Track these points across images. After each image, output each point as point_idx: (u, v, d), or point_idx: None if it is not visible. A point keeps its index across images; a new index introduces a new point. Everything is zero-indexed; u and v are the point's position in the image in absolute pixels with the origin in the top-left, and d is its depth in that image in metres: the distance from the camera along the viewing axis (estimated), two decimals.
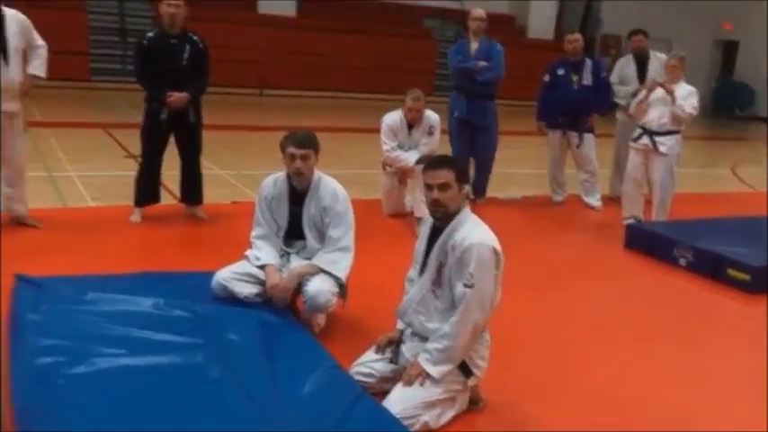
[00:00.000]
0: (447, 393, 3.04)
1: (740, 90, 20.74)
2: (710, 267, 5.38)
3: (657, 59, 7.38)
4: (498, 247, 3.04)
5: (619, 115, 7.83)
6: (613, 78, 7.77)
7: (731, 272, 5.24)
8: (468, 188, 3.19)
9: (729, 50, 21.91)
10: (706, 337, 4.40)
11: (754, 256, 5.35)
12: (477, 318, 3.00)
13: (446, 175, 3.04)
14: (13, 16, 5.03)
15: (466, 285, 2.97)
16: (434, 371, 3.00)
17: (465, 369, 3.08)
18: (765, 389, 3.69)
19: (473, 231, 3.04)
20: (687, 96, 6.37)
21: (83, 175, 6.45)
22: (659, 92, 6.42)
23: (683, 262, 5.58)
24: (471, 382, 3.12)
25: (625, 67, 7.77)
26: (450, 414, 3.07)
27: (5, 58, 4.95)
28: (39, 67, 5.18)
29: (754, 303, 5.01)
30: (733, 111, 20.66)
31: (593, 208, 7.44)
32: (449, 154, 6.92)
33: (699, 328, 4.50)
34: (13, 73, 5.01)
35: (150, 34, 5.50)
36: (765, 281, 5.16)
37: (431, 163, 3.19)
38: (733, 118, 20.31)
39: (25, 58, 5.13)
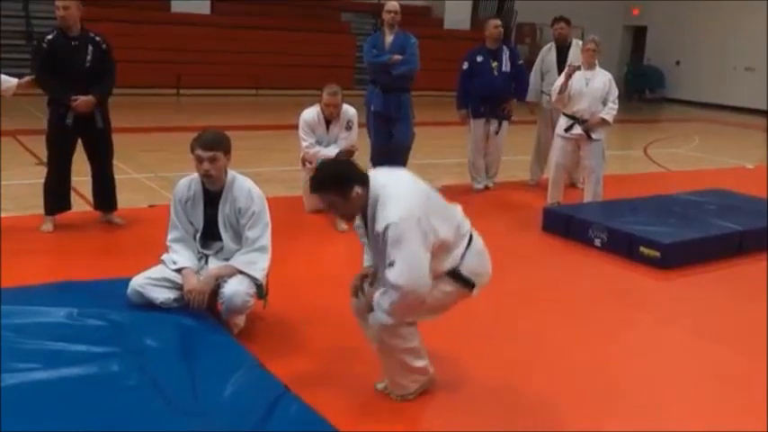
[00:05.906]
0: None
1: (650, 73, 21.46)
2: (624, 246, 5.57)
3: (578, 47, 7.45)
4: (406, 214, 2.97)
5: (545, 103, 7.87)
6: (536, 66, 7.93)
7: (643, 249, 5.43)
8: (359, 189, 3.06)
9: (639, 35, 22.63)
10: (620, 313, 4.55)
11: (664, 233, 5.57)
12: (409, 292, 2.96)
13: (328, 199, 3.09)
14: None
15: (390, 265, 2.95)
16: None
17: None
18: (678, 361, 3.85)
19: (383, 213, 2.99)
20: (608, 92, 6.60)
21: None
22: (581, 81, 6.55)
23: (597, 242, 5.75)
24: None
25: (546, 54, 7.91)
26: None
27: None
28: None
29: (665, 278, 5.22)
30: (644, 93, 21.37)
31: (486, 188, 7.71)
32: (366, 148, 6.99)
33: (613, 305, 4.66)
34: None
35: (50, 36, 5.29)
36: (675, 257, 5.38)
37: (312, 189, 3.18)
38: (644, 100, 21.01)
39: None
